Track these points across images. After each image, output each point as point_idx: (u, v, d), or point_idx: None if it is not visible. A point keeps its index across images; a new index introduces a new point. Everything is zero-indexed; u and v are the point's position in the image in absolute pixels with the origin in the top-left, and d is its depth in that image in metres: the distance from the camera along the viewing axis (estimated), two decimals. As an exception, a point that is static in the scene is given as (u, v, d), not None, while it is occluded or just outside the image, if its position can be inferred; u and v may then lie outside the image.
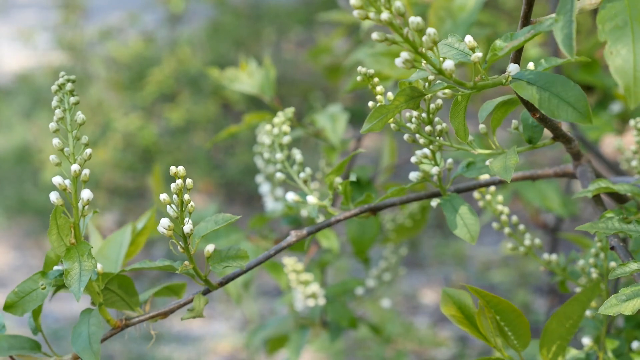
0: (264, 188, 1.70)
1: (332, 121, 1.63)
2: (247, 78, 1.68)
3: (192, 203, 0.94)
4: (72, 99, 0.98)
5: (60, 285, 1.00)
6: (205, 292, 1.03)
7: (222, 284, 1.03)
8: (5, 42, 6.17)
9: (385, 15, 0.81)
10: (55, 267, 1.01)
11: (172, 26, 5.53)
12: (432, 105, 1.01)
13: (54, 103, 0.98)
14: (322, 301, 1.55)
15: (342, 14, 2.37)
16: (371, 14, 0.82)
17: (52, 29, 5.45)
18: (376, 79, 1.00)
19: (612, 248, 0.99)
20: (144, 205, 4.44)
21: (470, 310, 1.04)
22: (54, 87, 0.98)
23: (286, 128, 1.22)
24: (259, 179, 1.70)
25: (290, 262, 1.50)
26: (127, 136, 4.65)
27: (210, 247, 0.99)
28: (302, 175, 1.19)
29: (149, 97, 4.85)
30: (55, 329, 3.33)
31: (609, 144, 2.88)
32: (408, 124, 1.02)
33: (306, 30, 5.72)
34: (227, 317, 3.43)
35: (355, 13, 0.81)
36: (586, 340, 1.11)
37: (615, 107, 1.92)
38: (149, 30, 5.50)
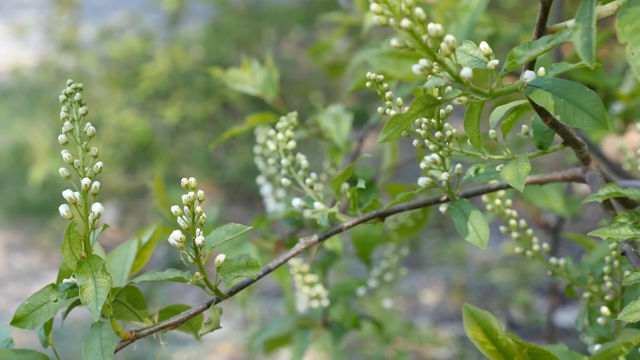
0: (265, 189, 1.70)
1: (336, 122, 1.63)
2: (249, 78, 1.68)
3: (203, 215, 0.94)
4: (81, 110, 0.97)
5: (72, 296, 0.99)
6: (216, 302, 1.03)
7: (232, 293, 1.03)
8: (3, 41, 6.17)
9: (405, 22, 0.81)
10: (65, 280, 1.00)
11: (171, 26, 5.53)
12: (442, 111, 1.00)
13: (62, 114, 0.97)
14: (325, 302, 1.54)
15: (342, 15, 2.37)
16: (391, 20, 0.81)
17: (46, 25, 5.44)
18: (385, 85, 1.00)
19: (624, 254, 0.98)
20: (145, 205, 4.43)
21: (497, 336, 0.98)
22: (62, 97, 0.97)
23: (290, 133, 1.21)
24: (260, 180, 1.70)
25: (296, 263, 1.50)
26: (120, 132, 4.66)
27: (220, 257, 0.99)
28: (308, 181, 1.18)
29: (143, 95, 4.86)
30: (56, 329, 3.32)
31: (611, 144, 2.88)
32: (417, 130, 1.01)
33: (306, 30, 5.72)
34: (228, 317, 3.43)
35: (375, 19, 0.81)
36: (598, 347, 1.10)
37: (617, 107, 1.92)
38: (149, 30, 5.50)
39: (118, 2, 6.31)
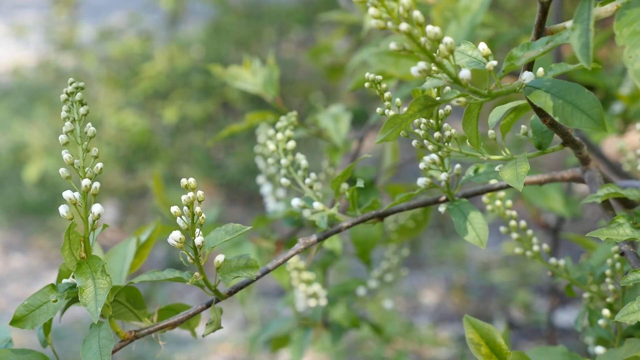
0: (266, 189, 1.70)
1: (334, 121, 1.62)
2: (250, 76, 1.67)
3: (203, 215, 0.93)
4: (82, 110, 0.97)
5: (71, 297, 0.99)
6: (216, 302, 1.03)
7: (231, 293, 1.03)
8: (2, 41, 6.17)
9: (404, 26, 0.80)
10: (65, 280, 1.00)
11: (171, 26, 5.53)
12: (440, 112, 1.00)
13: (63, 114, 0.97)
14: (323, 301, 1.54)
15: (342, 14, 2.37)
16: (389, 24, 0.81)
17: (45, 25, 5.45)
18: (384, 85, 1.00)
19: (622, 254, 0.98)
20: (145, 204, 4.43)
21: (502, 350, 0.96)
22: (63, 96, 0.97)
23: (290, 133, 1.21)
24: (260, 179, 1.70)
25: (292, 260, 1.50)
26: (120, 131, 4.66)
27: (220, 258, 0.99)
28: (307, 181, 1.17)
29: (142, 94, 4.86)
30: (55, 329, 3.32)
31: (611, 144, 2.88)
32: (416, 130, 1.01)
33: (306, 30, 5.72)
34: (228, 317, 3.43)
35: (373, 23, 0.81)
36: (599, 350, 1.10)
37: (617, 107, 1.92)
38: (149, 30, 5.50)
39: (118, 2, 6.31)
